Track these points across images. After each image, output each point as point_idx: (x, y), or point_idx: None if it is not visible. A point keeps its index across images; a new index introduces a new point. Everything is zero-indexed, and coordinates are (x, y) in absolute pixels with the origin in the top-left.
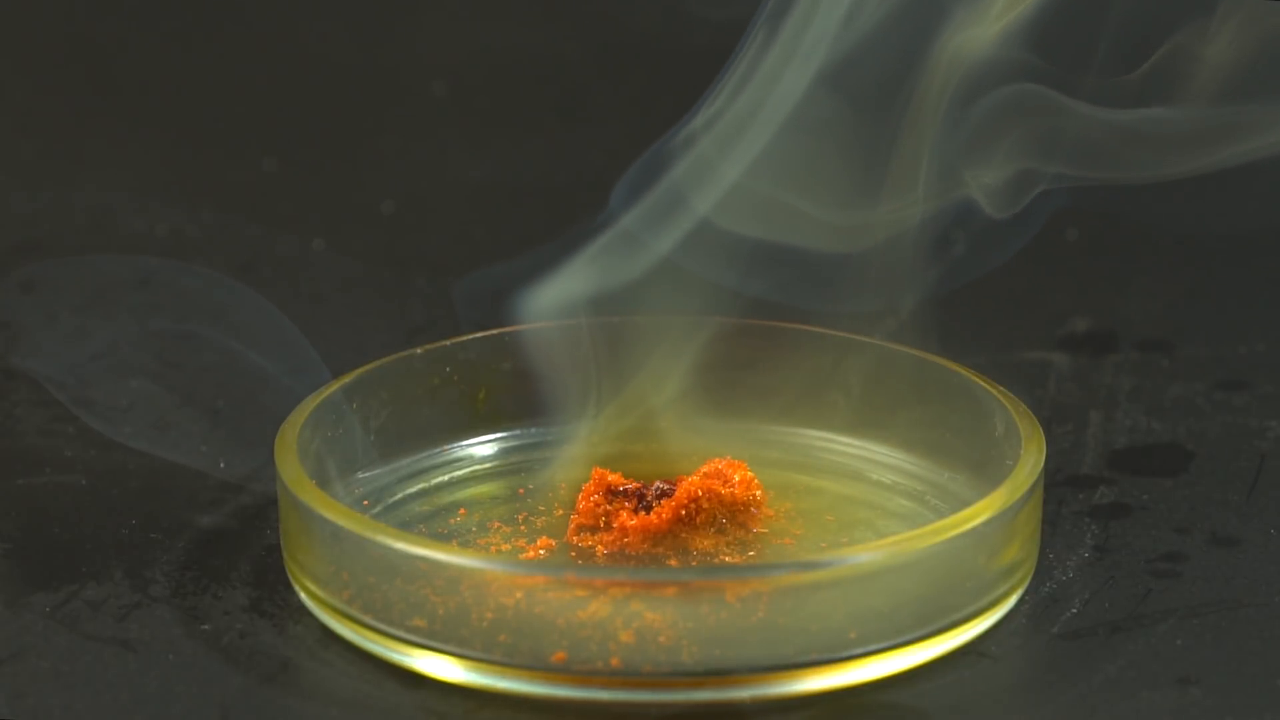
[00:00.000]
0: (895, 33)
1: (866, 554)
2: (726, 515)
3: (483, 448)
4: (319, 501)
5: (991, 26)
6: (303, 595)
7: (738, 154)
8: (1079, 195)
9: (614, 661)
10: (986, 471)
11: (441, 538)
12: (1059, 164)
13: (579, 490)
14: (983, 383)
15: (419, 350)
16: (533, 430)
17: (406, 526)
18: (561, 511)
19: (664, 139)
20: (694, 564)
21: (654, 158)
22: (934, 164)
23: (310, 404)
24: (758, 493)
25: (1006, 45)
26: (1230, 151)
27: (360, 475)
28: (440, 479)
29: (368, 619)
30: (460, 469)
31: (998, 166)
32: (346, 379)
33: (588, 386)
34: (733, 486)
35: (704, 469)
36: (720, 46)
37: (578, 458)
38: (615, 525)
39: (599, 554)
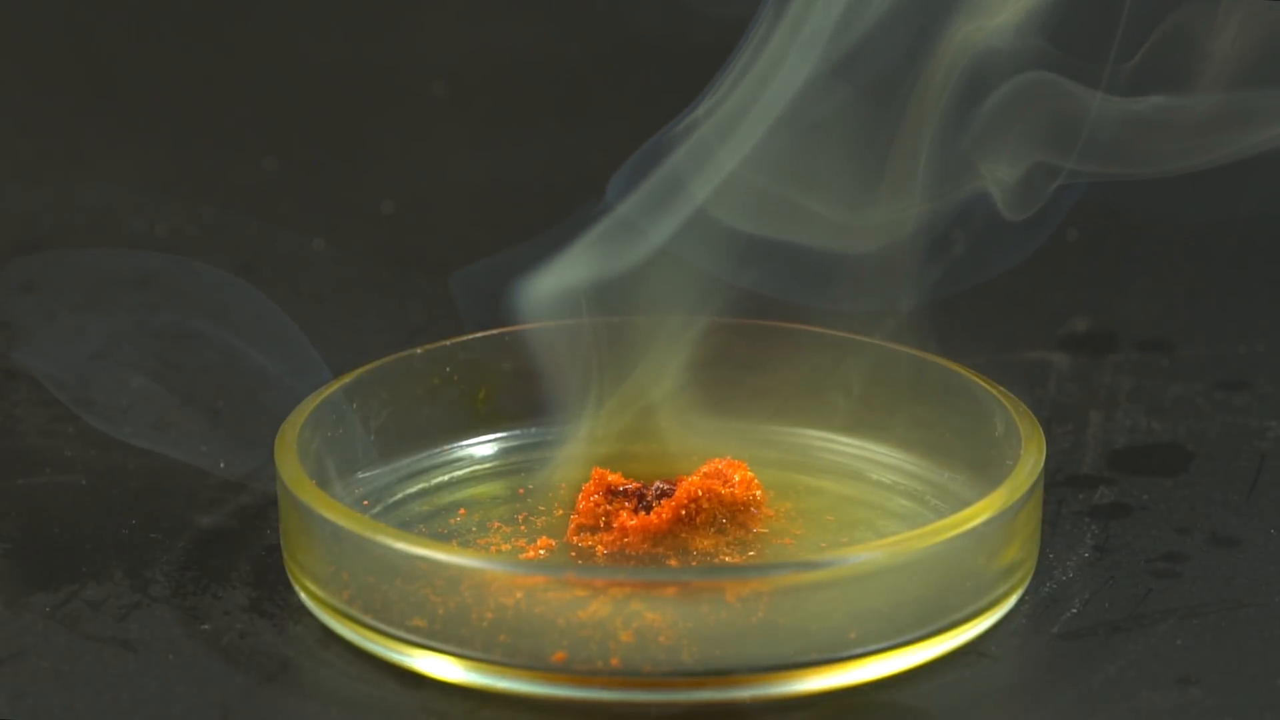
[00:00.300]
0: (903, 22)
1: (866, 554)
2: (726, 515)
3: (483, 448)
4: (319, 501)
5: (1003, 15)
6: (303, 595)
7: (737, 142)
8: (1095, 191)
9: (614, 661)
10: (986, 471)
11: (441, 538)
12: (1074, 158)
13: (579, 490)
14: (983, 383)
15: (419, 350)
16: (533, 430)
17: (406, 526)
18: (561, 511)
19: (662, 131)
20: (694, 564)
21: (652, 150)
22: (945, 159)
23: (310, 404)
24: (758, 493)
25: (1018, 34)
26: (1245, 142)
27: (360, 475)
28: (440, 479)
29: (368, 619)
30: (460, 469)
31: (1012, 161)
32: (346, 379)
33: (588, 383)
34: (733, 486)
35: (704, 469)
36: (724, 44)
37: (578, 458)
38: (615, 525)
39: (599, 554)
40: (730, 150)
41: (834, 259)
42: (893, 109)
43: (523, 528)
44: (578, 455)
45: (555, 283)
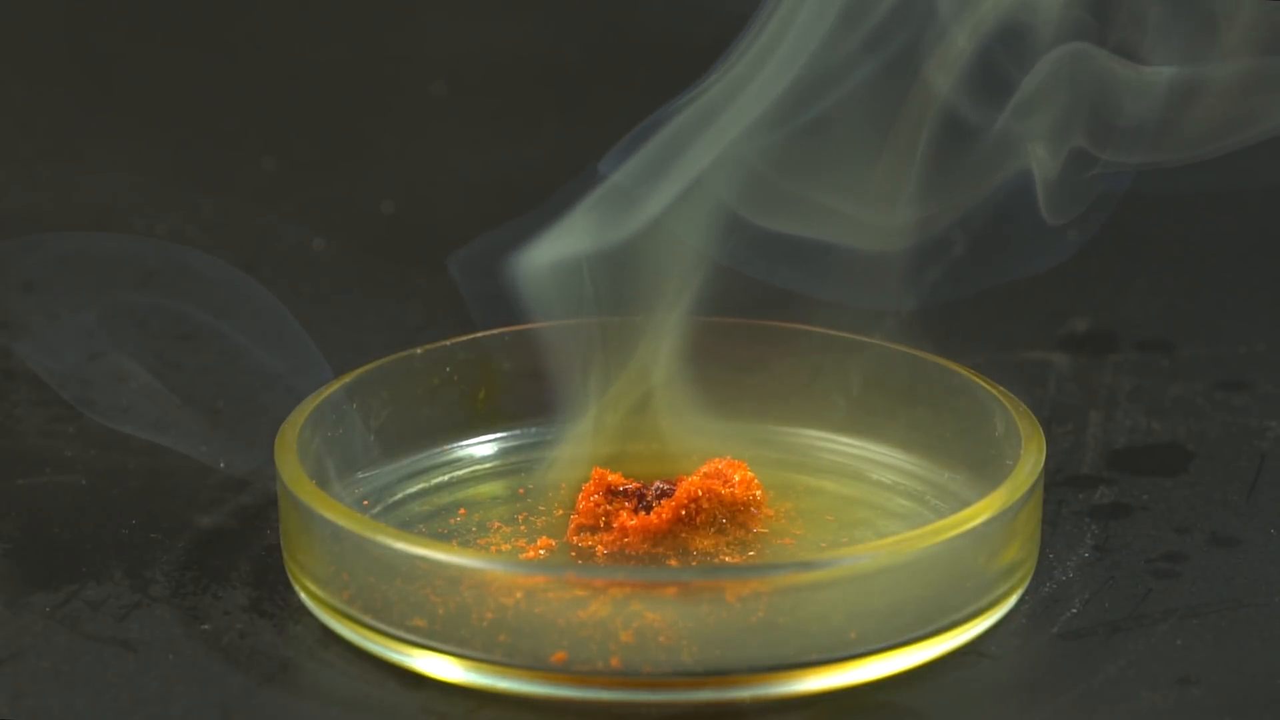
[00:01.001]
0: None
1: (866, 554)
2: (726, 515)
3: (483, 448)
4: (319, 501)
5: None
6: (303, 595)
7: (737, 112)
8: (1099, 186)
9: (614, 661)
10: (986, 471)
11: (441, 538)
12: (1116, 145)
13: (579, 490)
14: (983, 383)
15: (419, 350)
16: (533, 430)
17: (406, 526)
18: (561, 511)
19: (659, 111)
20: (694, 564)
21: (649, 127)
22: (974, 150)
23: (310, 404)
24: (758, 493)
25: (1056, 4)
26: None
27: (360, 475)
28: (440, 479)
29: (368, 619)
30: (460, 469)
31: (1051, 149)
32: (347, 378)
33: (588, 376)
34: (733, 486)
35: (704, 469)
36: (728, 41)
37: (578, 457)
38: (615, 525)
39: (599, 554)
40: (730, 119)
41: (843, 252)
42: (912, 91)
43: (523, 528)
44: (578, 455)
45: (553, 253)
